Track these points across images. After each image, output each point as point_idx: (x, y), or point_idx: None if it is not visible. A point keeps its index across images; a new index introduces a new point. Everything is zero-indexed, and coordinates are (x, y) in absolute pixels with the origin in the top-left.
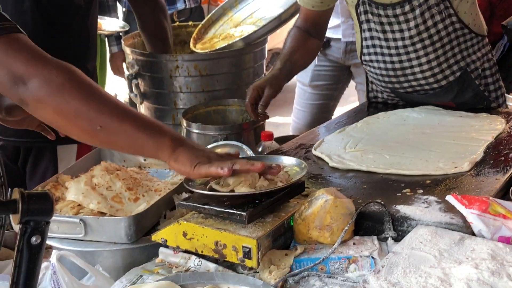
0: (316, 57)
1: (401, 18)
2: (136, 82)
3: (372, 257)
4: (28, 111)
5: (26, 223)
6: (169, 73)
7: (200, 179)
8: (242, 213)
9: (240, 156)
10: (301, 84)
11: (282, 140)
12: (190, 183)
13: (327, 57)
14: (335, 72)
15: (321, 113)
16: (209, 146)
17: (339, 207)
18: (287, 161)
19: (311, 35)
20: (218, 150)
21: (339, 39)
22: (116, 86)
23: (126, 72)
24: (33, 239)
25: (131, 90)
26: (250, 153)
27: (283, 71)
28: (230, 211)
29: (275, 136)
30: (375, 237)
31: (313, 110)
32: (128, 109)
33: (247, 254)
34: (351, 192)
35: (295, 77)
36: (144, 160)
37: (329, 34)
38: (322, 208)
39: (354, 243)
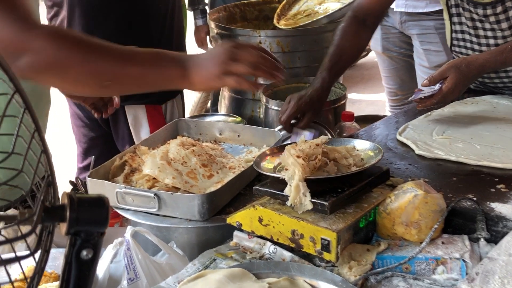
0: (380, 26)
1: (492, 19)
2: None
3: (463, 260)
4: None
5: (76, 234)
6: None
7: (270, 162)
8: (324, 202)
9: (317, 137)
10: (376, 53)
11: (362, 119)
12: (260, 165)
13: (388, 25)
14: (402, 38)
15: (408, 72)
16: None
17: (429, 203)
18: (361, 144)
19: (365, 26)
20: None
21: (393, 9)
22: None
23: (209, 45)
24: (84, 253)
25: None
26: (329, 134)
27: (327, 89)
28: (311, 200)
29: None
30: (466, 237)
31: (398, 73)
32: (128, 53)
33: (326, 247)
34: (439, 184)
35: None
36: (220, 134)
37: None
38: (411, 203)
39: (442, 242)
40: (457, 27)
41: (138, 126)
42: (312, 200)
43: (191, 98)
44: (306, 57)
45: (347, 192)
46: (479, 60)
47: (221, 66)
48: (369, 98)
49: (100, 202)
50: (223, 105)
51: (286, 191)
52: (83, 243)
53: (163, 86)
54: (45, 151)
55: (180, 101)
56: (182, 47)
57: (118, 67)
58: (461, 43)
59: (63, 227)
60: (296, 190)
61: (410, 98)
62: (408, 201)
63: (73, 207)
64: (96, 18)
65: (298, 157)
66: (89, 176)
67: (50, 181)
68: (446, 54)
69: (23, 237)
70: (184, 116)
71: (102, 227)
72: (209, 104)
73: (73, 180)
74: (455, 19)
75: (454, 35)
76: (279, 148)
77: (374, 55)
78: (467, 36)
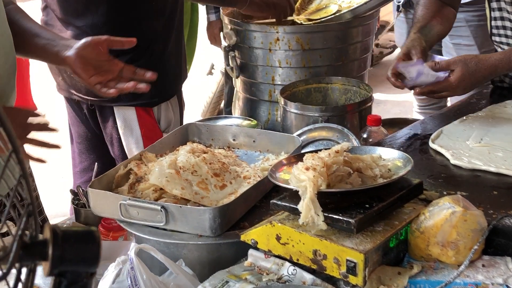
0: (405, 19)
1: None
2: (233, 54)
3: (507, 286)
4: None
5: (61, 275)
6: (268, 46)
7: (287, 173)
8: (350, 220)
9: (342, 143)
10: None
11: (389, 123)
12: (276, 176)
13: (411, 16)
14: None
15: None
16: (307, 128)
17: (468, 221)
18: (387, 153)
19: (444, 3)
20: (316, 134)
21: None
22: (213, 56)
23: (223, 42)
24: None
25: (227, 63)
26: (354, 139)
27: (420, 37)
28: (334, 216)
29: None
30: (509, 259)
31: None
32: None
33: (352, 270)
34: (478, 199)
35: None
36: (234, 140)
37: None
38: (447, 221)
39: (483, 265)
40: (497, 14)
41: (128, 129)
42: (336, 216)
43: (203, 99)
44: (328, 55)
45: (376, 208)
46: (491, 59)
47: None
48: (395, 99)
49: (90, 236)
50: (237, 106)
51: (299, 207)
52: (69, 286)
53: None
54: (24, 175)
55: (177, 103)
56: (180, 47)
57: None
58: (501, 31)
59: (45, 267)
60: (307, 208)
61: (413, 74)
62: (444, 218)
63: (56, 242)
64: (82, 6)
65: (307, 169)
66: (90, 186)
67: (30, 211)
68: (478, 48)
69: (3, 277)
70: (182, 120)
71: (91, 266)
72: (222, 105)
73: (74, 188)
74: (494, 5)
75: (493, 22)
76: (297, 157)
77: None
78: (507, 23)
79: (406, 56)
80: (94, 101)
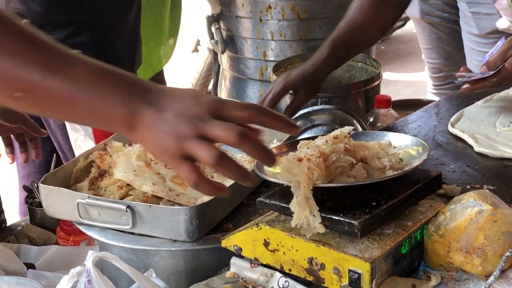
0: None
1: None
2: (217, 25)
3: None
4: None
5: None
6: (259, 15)
7: (279, 163)
8: (353, 221)
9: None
10: (414, 20)
11: (400, 105)
12: (264, 168)
13: None
14: (446, 0)
15: (454, 41)
16: (303, 111)
17: (498, 222)
18: (398, 139)
19: (389, 2)
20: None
21: None
22: (199, 31)
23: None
24: None
25: (211, 36)
26: (358, 124)
27: (329, 63)
28: (334, 217)
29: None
30: None
31: (442, 43)
32: (63, 57)
33: (355, 282)
34: (509, 194)
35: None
36: None
37: None
38: (473, 222)
39: None
40: None
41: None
42: (336, 217)
43: (188, 80)
44: (329, 26)
45: (385, 206)
46: None
47: (179, 143)
48: (407, 78)
49: None
50: (223, 87)
51: (291, 206)
52: None
53: (96, 123)
54: None
55: None
56: (137, 28)
57: (37, 75)
58: None
59: None
60: (300, 208)
61: (460, 80)
62: (469, 219)
63: None
64: None
65: (299, 160)
66: (42, 182)
67: None
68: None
69: None
70: None
71: None
72: (210, 86)
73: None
74: None
75: None
76: (290, 145)
77: (412, 26)
78: None
79: (292, 88)
80: None
